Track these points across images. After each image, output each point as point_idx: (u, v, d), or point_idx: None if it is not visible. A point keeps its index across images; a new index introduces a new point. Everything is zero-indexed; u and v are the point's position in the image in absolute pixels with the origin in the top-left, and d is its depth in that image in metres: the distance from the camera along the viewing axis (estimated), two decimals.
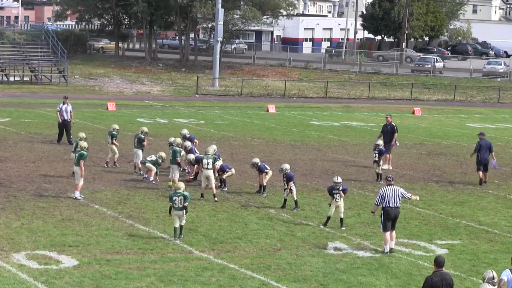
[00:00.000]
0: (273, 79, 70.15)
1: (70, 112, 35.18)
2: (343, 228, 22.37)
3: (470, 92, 69.50)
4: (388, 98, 63.95)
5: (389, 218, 20.19)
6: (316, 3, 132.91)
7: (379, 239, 21.54)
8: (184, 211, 20.48)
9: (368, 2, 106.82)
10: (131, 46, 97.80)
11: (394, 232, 20.46)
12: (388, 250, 20.22)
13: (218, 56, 66.45)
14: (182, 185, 20.88)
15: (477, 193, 28.48)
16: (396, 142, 32.89)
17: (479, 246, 21.51)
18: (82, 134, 27.77)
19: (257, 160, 26.61)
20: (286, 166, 24.98)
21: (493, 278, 14.25)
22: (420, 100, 63.74)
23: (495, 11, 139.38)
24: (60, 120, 34.68)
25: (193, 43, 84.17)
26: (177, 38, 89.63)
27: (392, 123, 32.52)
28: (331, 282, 17.90)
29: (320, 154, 35.24)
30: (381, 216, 20.32)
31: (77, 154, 24.35)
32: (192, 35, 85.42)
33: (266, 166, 26.61)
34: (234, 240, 20.80)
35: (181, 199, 20.43)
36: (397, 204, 20.30)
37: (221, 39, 68.14)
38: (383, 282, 18.12)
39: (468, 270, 19.15)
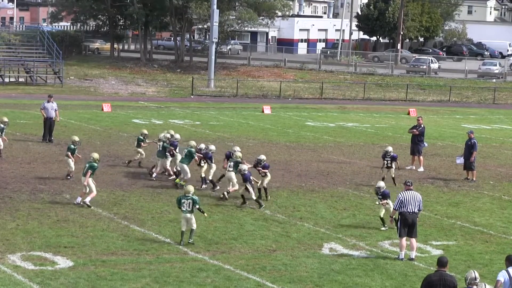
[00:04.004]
0: (269, 80, 70.17)
1: (55, 110, 35.33)
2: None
3: (465, 93, 69.59)
4: (383, 99, 63.99)
5: (406, 224, 19.66)
6: (311, 4, 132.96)
7: (374, 240, 21.58)
8: (195, 213, 20.31)
9: (363, 3, 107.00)
10: (126, 47, 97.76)
11: (414, 240, 19.92)
12: (403, 257, 19.75)
13: (213, 57, 66.46)
14: (191, 188, 20.64)
15: (472, 194, 28.52)
16: (425, 143, 33.20)
17: (475, 247, 21.53)
18: (76, 138, 27.58)
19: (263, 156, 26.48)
20: (262, 157, 25.14)
21: (475, 278, 14.18)
22: (415, 101, 63.79)
23: (490, 12, 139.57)
24: (45, 116, 35.05)
25: (188, 44, 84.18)
26: (172, 39, 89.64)
27: (422, 124, 32.89)
28: (327, 283, 17.90)
29: (316, 155, 35.25)
30: (397, 221, 19.89)
31: (87, 165, 23.87)
32: (187, 36, 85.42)
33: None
34: (229, 241, 20.80)
35: (189, 203, 20.27)
36: (415, 210, 19.78)
37: (216, 40, 68.15)
38: (379, 283, 18.13)
39: (464, 271, 19.09)
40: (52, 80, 62.32)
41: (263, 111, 51.29)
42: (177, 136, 29.69)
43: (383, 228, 22.36)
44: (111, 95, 58.16)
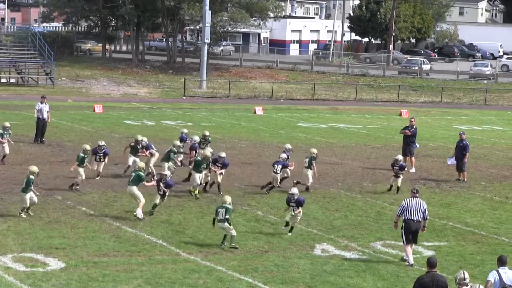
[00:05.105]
0: (261, 81, 70.18)
1: (47, 111, 35.29)
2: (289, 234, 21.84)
3: (456, 94, 69.71)
4: (375, 100, 64.05)
5: (410, 231, 19.57)
6: (304, 5, 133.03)
7: (366, 241, 21.60)
8: (227, 223, 20.14)
9: (355, 4, 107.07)
10: (118, 48, 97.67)
11: (412, 246, 19.89)
12: (412, 262, 19.58)
13: (205, 58, 66.46)
14: (228, 199, 20.57)
15: (463, 195, 28.58)
16: (417, 144, 33.23)
17: (466, 248, 21.58)
18: (87, 146, 26.49)
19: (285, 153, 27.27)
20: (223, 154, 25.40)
21: (464, 279, 14.23)
22: (407, 102, 63.88)
23: (482, 13, 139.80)
24: (38, 117, 34.97)
25: (181, 45, 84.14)
26: (164, 40, 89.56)
27: (414, 125, 32.93)
28: (319, 284, 17.92)
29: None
30: (402, 229, 19.75)
31: (134, 174, 22.98)
32: (179, 37, 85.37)
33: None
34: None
35: (223, 211, 20.22)
36: (419, 218, 19.62)
37: (209, 41, 68.13)
38: (371, 284, 18.15)
39: (455, 272, 19.07)
40: (43, 81, 62.18)
41: (255, 112, 51.29)
42: (196, 138, 29.75)
43: (289, 234, 21.68)
44: (103, 96, 58.07)
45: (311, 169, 27.28)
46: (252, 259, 19.48)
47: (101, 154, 27.41)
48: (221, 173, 26.35)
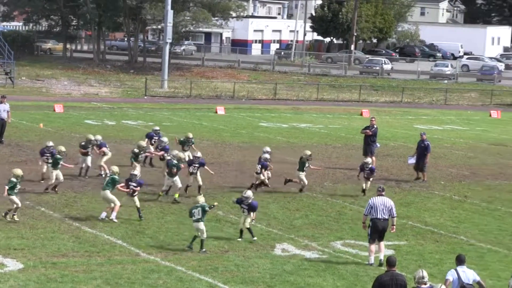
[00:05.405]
0: (222, 81, 70.13)
1: (8, 111, 34.91)
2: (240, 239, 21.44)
3: (417, 94, 70.19)
4: (336, 100, 64.26)
5: (377, 230, 19.59)
6: (266, 5, 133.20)
7: (326, 240, 21.69)
8: (202, 222, 20.08)
9: (317, 4, 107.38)
10: (79, 47, 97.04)
11: (382, 243, 19.83)
12: (373, 262, 19.59)
13: (167, 57, 66.26)
14: (201, 199, 20.52)
15: (423, 194, 28.80)
16: (377, 143, 33.36)
17: (425, 247, 21.74)
18: (62, 148, 26.22)
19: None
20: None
21: (423, 277, 14.33)
22: (368, 102, 64.19)
23: (443, 13, 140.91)
24: None
25: (142, 45, 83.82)
26: (126, 39, 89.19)
27: (375, 125, 33.07)
28: (278, 284, 17.95)
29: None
30: (369, 227, 19.78)
31: (108, 178, 22.80)
32: (141, 36, 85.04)
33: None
34: (181, 242, 20.74)
35: (199, 211, 20.10)
36: (386, 216, 19.64)
37: (170, 41, 67.96)
38: (330, 283, 18.21)
39: (414, 271, 19.22)
40: (3, 81, 61.51)
41: (216, 112, 51.24)
42: (165, 139, 29.67)
43: (239, 239, 21.18)
44: (63, 96, 57.65)
45: (303, 171, 27.48)
46: (212, 259, 19.46)
47: (48, 155, 26.78)
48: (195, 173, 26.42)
